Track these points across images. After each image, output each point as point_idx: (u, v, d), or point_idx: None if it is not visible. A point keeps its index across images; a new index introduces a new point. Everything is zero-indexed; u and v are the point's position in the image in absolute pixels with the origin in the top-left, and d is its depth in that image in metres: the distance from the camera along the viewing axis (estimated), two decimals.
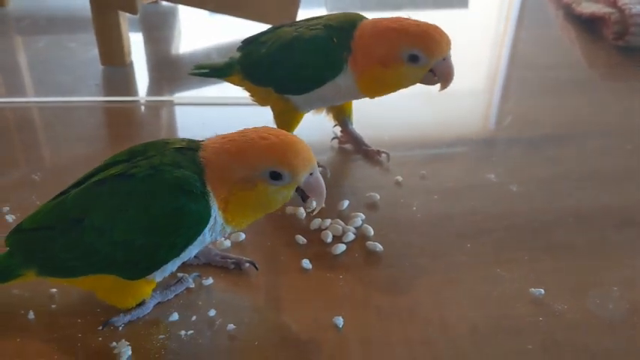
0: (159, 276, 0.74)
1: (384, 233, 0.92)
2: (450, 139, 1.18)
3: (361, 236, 0.91)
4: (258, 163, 0.69)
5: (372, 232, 0.91)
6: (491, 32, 1.72)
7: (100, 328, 0.75)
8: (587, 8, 1.70)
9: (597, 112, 1.31)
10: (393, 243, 0.91)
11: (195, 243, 0.71)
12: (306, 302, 0.80)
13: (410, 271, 0.85)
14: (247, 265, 0.84)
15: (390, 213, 0.97)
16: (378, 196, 0.99)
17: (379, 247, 0.88)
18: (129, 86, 1.36)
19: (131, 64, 1.41)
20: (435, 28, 0.89)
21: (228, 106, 1.27)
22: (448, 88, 0.94)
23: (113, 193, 0.70)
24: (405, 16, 0.92)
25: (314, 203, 0.74)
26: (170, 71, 1.44)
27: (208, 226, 0.70)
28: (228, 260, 0.84)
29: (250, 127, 0.72)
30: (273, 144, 0.69)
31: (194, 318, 0.77)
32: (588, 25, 1.69)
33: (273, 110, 1.06)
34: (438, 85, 0.94)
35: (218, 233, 0.74)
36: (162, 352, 0.72)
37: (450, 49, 0.90)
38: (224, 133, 0.73)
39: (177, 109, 1.29)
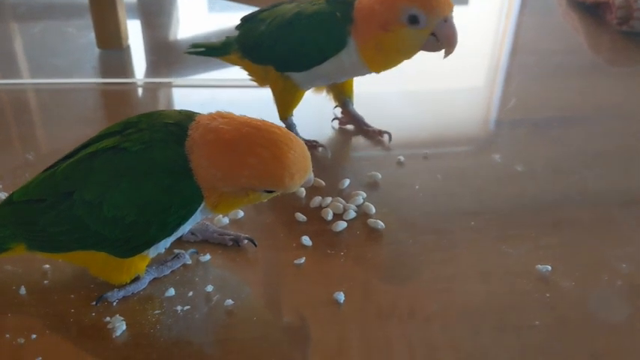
0: (152, 252, 0.72)
1: (385, 211, 0.90)
2: (454, 121, 1.16)
3: (362, 214, 0.89)
4: (252, 185, 0.66)
5: (374, 210, 0.89)
6: (493, 19, 1.69)
7: (94, 303, 0.72)
8: None
9: (602, 96, 1.28)
10: (395, 221, 0.88)
11: (189, 221, 0.69)
12: (306, 278, 0.78)
13: (412, 248, 0.83)
14: (245, 241, 0.82)
15: (392, 192, 0.95)
16: (380, 176, 0.97)
17: (381, 224, 0.86)
18: (126, 69, 1.34)
19: (128, 48, 1.39)
20: None
21: (226, 88, 1.25)
22: (452, 62, 0.92)
23: (104, 167, 0.67)
24: None
25: None
26: (168, 55, 1.42)
27: (201, 207, 0.68)
28: (226, 237, 0.82)
29: (246, 121, 0.67)
30: (267, 165, 0.64)
31: (191, 294, 0.74)
32: (592, 11, 1.67)
33: (272, 89, 1.03)
34: (446, 64, 0.92)
35: (208, 213, 0.72)
36: (157, 327, 0.70)
37: (451, 10, 0.86)
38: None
39: (175, 91, 1.27)
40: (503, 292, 0.76)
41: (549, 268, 0.79)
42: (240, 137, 0.65)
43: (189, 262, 0.79)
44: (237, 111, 0.69)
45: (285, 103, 1.02)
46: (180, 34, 1.60)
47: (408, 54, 0.92)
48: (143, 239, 0.68)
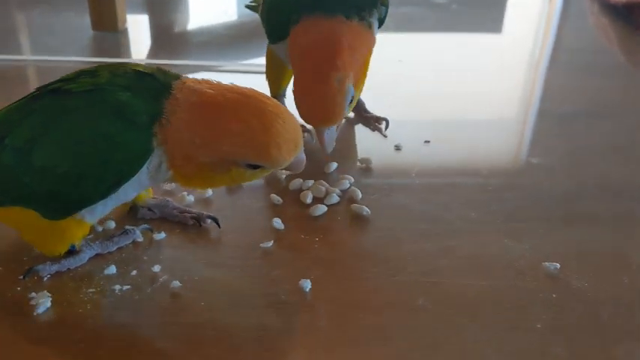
0: (89, 217, 0.62)
1: (375, 198, 0.79)
2: (460, 107, 1.05)
3: (348, 199, 0.78)
4: (234, 155, 0.58)
5: (360, 196, 0.78)
6: (527, 47, 1.58)
7: (21, 277, 0.63)
8: None
9: (630, 94, 1.16)
10: (384, 208, 0.77)
11: (130, 183, 0.59)
12: (271, 263, 0.67)
13: (401, 237, 0.72)
14: (209, 221, 0.72)
15: (385, 178, 0.84)
16: (373, 161, 0.86)
17: (366, 210, 0.75)
18: (121, 51, 1.27)
19: (125, 30, 1.32)
20: None
21: (231, 73, 1.17)
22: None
23: (42, 110, 0.59)
24: None
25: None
26: (169, 41, 1.35)
27: (147, 168, 0.59)
28: (187, 215, 0.72)
29: (233, 87, 0.59)
30: (253, 133, 0.56)
31: (134, 272, 0.65)
32: (624, 15, 1.56)
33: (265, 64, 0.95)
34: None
35: (161, 181, 0.63)
36: (88, 307, 0.60)
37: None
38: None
39: None
40: (501, 289, 0.65)
41: (558, 265, 0.67)
42: (225, 102, 0.57)
43: (140, 239, 0.69)
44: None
45: (274, 81, 0.94)
46: (185, 20, 1.53)
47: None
48: (75, 196, 0.58)
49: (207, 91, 0.58)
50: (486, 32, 1.52)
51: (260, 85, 0.92)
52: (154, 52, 1.30)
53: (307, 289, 0.63)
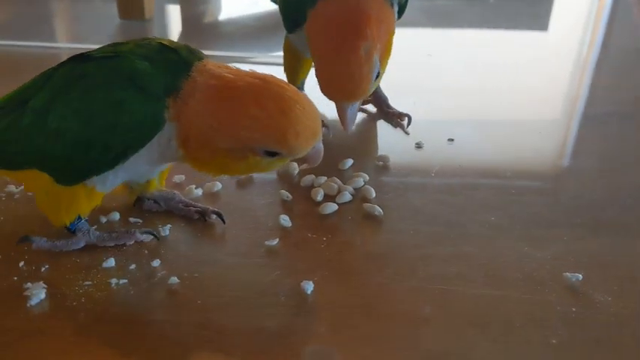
0: (100, 186, 0.62)
1: (389, 197, 0.76)
2: (490, 105, 1.00)
3: (360, 198, 0.75)
4: (251, 141, 0.56)
5: (374, 194, 0.75)
6: (574, 47, 1.51)
7: (17, 241, 0.65)
8: None
9: None
10: (398, 208, 0.74)
11: (140, 154, 0.59)
12: (274, 262, 0.65)
13: (413, 240, 0.69)
14: (214, 216, 0.70)
15: (402, 177, 0.80)
16: (391, 159, 0.83)
17: (378, 210, 0.72)
18: None
19: (152, 19, 1.32)
20: None
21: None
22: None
23: (62, 74, 0.60)
24: None
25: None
26: (198, 31, 1.34)
27: (157, 141, 0.58)
28: (192, 209, 0.70)
29: (253, 73, 0.58)
30: (271, 119, 0.55)
31: (133, 267, 0.63)
32: None
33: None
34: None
35: (170, 159, 0.62)
36: (82, 300, 0.58)
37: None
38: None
39: None
40: (516, 300, 0.60)
41: (580, 277, 0.63)
42: (245, 86, 0.56)
43: (142, 239, 0.67)
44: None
45: (292, 73, 0.91)
46: (215, 10, 1.52)
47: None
48: (86, 163, 0.59)
49: (227, 75, 0.57)
50: (527, 29, 1.46)
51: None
52: (181, 41, 1.29)
53: (309, 292, 0.60)
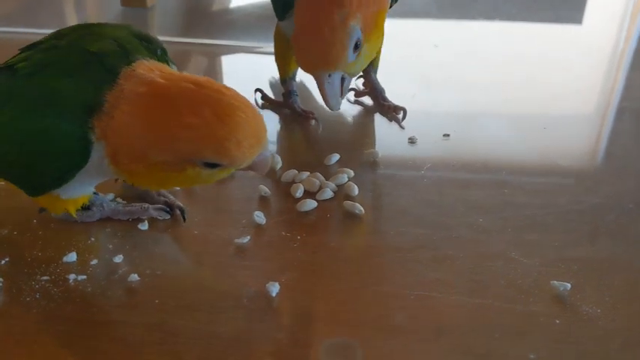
0: (64, 195, 0.60)
1: (374, 195, 0.72)
2: (493, 99, 0.94)
3: (342, 195, 0.71)
4: (188, 153, 0.52)
5: (357, 192, 0.71)
6: (610, 41, 1.44)
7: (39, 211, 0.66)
8: None
9: None
10: (381, 207, 0.70)
11: (80, 176, 0.56)
12: (242, 261, 0.61)
13: (393, 242, 0.65)
14: (178, 211, 0.67)
15: (390, 174, 0.76)
16: (381, 154, 0.79)
17: (359, 208, 0.68)
18: (149, 29, 1.24)
19: (153, 7, 1.29)
20: None
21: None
22: None
23: None
24: None
25: None
26: (202, 19, 1.30)
27: (91, 161, 0.55)
28: (162, 198, 0.68)
29: (188, 77, 0.53)
30: (208, 127, 0.50)
31: (94, 262, 0.60)
32: None
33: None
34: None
35: (110, 176, 0.60)
36: (37, 296, 0.56)
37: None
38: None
39: (193, 54, 1.14)
40: (497, 310, 0.56)
41: (568, 286, 0.58)
42: (179, 93, 0.51)
43: (157, 216, 0.66)
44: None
45: (283, 61, 0.87)
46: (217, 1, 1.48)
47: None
48: (31, 181, 0.57)
49: (158, 80, 0.52)
50: (540, 21, 1.39)
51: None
52: (184, 30, 1.26)
53: (274, 294, 0.57)
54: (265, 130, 0.54)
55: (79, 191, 0.61)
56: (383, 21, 0.75)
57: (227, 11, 1.38)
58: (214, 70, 1.10)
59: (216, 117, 0.50)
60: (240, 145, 0.51)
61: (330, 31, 0.68)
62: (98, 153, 0.54)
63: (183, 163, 0.53)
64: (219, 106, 0.50)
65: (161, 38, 0.64)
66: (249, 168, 0.56)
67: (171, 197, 0.68)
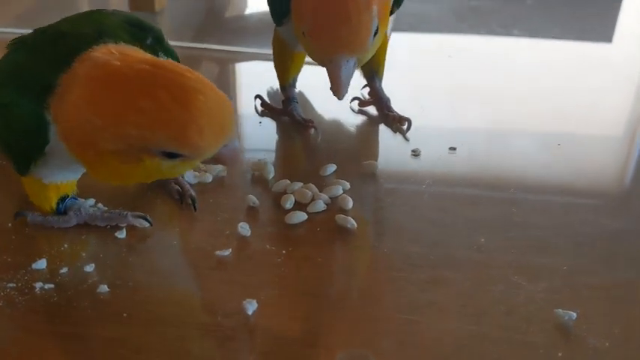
0: (45, 180, 0.59)
1: (369, 209, 0.68)
2: (505, 114, 0.89)
3: (336, 208, 0.67)
4: (142, 140, 0.47)
5: (351, 205, 0.67)
6: None
7: (14, 216, 0.63)
8: None
9: None
10: (376, 222, 0.66)
11: (52, 158, 0.55)
12: (220, 275, 0.57)
13: (384, 260, 0.60)
14: (189, 201, 0.66)
15: (389, 187, 0.72)
16: (380, 166, 0.74)
17: (352, 222, 0.64)
18: None
19: (162, 11, 1.27)
20: None
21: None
22: None
23: None
24: None
25: None
26: (206, 24, 1.28)
27: (51, 144, 0.53)
28: (175, 186, 0.67)
29: (147, 59, 0.50)
30: (166, 111, 0.46)
31: (64, 270, 0.57)
32: None
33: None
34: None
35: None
36: (0, 304, 0.53)
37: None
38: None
39: (204, 59, 1.11)
40: (492, 339, 0.51)
41: (574, 315, 0.53)
42: (134, 75, 0.47)
43: (136, 224, 0.62)
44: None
45: (281, 68, 0.84)
46: (230, 4, 1.46)
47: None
48: (14, 157, 0.57)
49: (113, 63, 0.48)
50: (564, 34, 1.34)
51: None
52: (193, 35, 1.23)
53: (250, 312, 0.53)
54: (232, 118, 0.50)
55: (58, 176, 0.59)
56: (388, 10, 0.72)
57: (240, 18, 1.36)
58: (225, 77, 1.07)
59: (174, 100, 0.46)
60: (201, 132, 0.47)
61: (357, 13, 0.64)
62: (55, 136, 0.52)
63: (139, 153, 0.48)
64: (178, 89, 0.46)
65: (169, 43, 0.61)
66: (217, 160, 0.52)
67: (187, 185, 0.67)
